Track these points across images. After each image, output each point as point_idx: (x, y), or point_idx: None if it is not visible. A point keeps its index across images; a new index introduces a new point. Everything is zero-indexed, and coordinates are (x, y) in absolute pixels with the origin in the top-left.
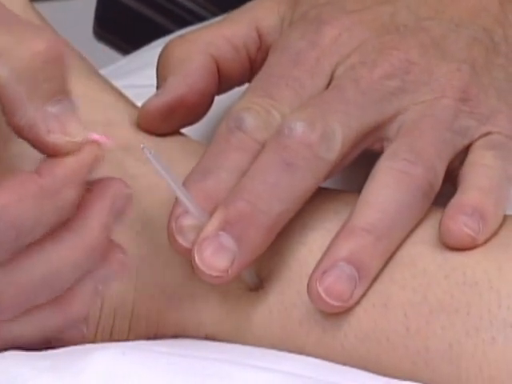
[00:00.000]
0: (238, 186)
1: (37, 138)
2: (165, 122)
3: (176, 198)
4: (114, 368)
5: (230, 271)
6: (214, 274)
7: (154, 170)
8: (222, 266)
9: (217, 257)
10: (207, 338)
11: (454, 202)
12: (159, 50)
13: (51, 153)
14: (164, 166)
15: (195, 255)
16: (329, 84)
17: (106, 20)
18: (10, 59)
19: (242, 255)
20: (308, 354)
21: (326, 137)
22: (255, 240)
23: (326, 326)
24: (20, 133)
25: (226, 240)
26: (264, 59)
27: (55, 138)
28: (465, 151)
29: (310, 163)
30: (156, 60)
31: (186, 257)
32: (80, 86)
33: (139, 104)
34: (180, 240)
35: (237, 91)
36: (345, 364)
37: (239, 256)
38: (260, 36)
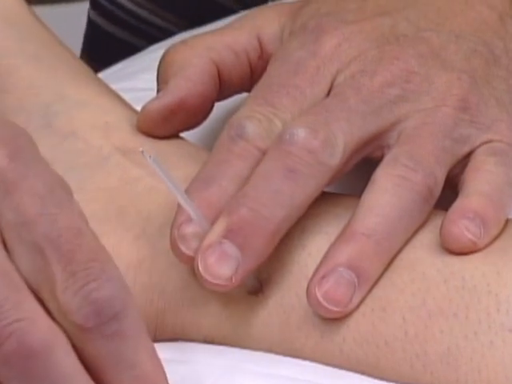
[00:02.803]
0: (240, 193)
1: None
2: (165, 124)
3: (178, 206)
4: None
5: (233, 279)
6: (218, 282)
7: (155, 174)
8: (226, 274)
9: (221, 265)
10: (206, 340)
11: (456, 206)
12: (157, 54)
13: None
14: (164, 170)
15: (199, 263)
16: (329, 92)
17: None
18: None
19: (245, 263)
20: (306, 358)
21: (329, 143)
22: (258, 247)
23: (325, 329)
24: None
25: (230, 248)
26: (264, 67)
27: None
28: (465, 158)
29: (313, 169)
30: (154, 64)
31: (189, 265)
32: (78, 90)
33: (137, 107)
34: (183, 248)
35: (236, 99)
36: (343, 368)
37: (243, 264)
38: (261, 44)
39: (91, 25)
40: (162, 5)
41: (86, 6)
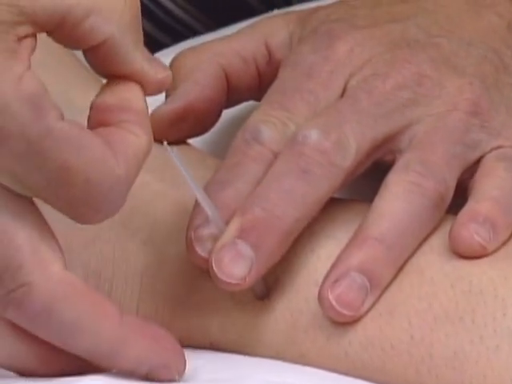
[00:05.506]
0: (253, 193)
1: (147, 78)
2: (173, 129)
3: (194, 208)
4: None
5: (247, 279)
6: (232, 281)
7: (164, 179)
8: (240, 274)
9: (235, 264)
10: (212, 345)
11: (466, 210)
12: (165, 59)
13: (157, 90)
14: (183, 165)
15: (213, 263)
16: (342, 96)
17: None
18: (115, 16)
19: (259, 262)
20: (311, 362)
21: (341, 144)
22: (272, 246)
23: (331, 333)
24: (131, 77)
25: (244, 247)
26: (273, 74)
27: (162, 75)
28: (476, 164)
29: (325, 170)
30: None
31: (204, 266)
32: (84, 96)
33: None
34: (199, 250)
35: (242, 107)
36: (348, 371)
37: (256, 263)
38: (269, 51)
39: None
40: (193, 2)
41: None
